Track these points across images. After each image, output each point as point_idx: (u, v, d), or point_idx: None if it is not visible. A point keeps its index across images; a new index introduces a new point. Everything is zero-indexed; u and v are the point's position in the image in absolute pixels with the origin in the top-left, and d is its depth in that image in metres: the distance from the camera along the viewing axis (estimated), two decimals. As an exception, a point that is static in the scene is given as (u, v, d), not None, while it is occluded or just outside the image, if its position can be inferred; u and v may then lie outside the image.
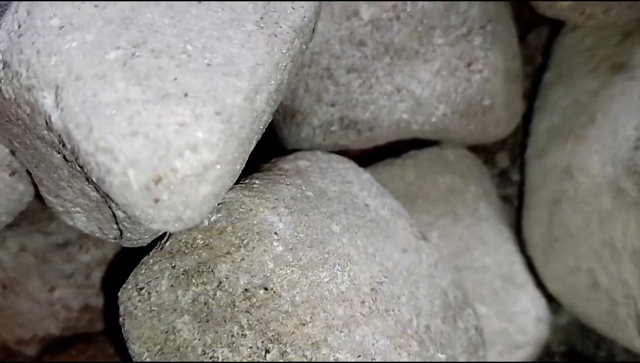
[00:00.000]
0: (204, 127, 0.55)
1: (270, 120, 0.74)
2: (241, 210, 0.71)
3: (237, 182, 0.77)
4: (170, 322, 0.66)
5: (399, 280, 0.79)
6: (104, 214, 0.72)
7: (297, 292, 0.67)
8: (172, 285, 0.66)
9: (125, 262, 0.94)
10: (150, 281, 0.67)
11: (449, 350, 0.80)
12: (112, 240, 0.77)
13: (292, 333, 0.64)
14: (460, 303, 0.88)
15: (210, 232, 0.69)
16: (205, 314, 0.66)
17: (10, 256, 0.93)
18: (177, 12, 0.61)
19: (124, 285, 0.68)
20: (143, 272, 0.68)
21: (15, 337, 0.93)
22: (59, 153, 0.62)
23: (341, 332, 0.66)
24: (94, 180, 0.56)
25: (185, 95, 0.56)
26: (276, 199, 0.74)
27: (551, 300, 1.04)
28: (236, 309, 0.65)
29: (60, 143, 0.58)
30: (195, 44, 0.59)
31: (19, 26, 0.58)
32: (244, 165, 0.67)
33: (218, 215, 0.71)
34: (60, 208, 0.75)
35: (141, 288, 0.67)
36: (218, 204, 0.72)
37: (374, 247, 0.79)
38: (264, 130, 0.72)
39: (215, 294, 0.66)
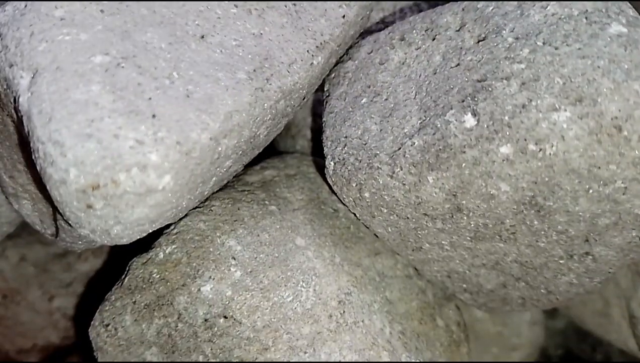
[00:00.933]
0: (160, 151, 0.55)
1: (239, 170, 0.71)
2: (197, 238, 0.69)
3: (194, 206, 0.74)
4: (140, 354, 0.66)
5: (370, 287, 0.76)
6: (47, 208, 0.71)
7: (259, 317, 0.66)
8: (136, 320, 0.67)
9: (123, 271, 0.96)
10: (114, 317, 0.66)
11: (427, 352, 0.79)
12: (49, 237, 0.76)
13: (255, 359, 0.64)
14: (440, 300, 0.86)
15: (165, 265, 0.68)
16: (170, 345, 0.66)
17: (10, 266, 0.93)
18: (177, 40, 0.61)
19: (92, 322, 0.69)
20: (107, 308, 0.68)
21: (16, 347, 0.94)
22: (21, 135, 0.62)
23: (305, 352, 0.65)
24: (38, 168, 0.56)
25: (154, 116, 0.55)
26: (235, 221, 0.71)
27: None
28: (199, 339, 0.65)
29: (21, 124, 0.57)
30: (182, 74, 0.59)
31: (25, 6, 0.59)
32: (192, 205, 0.64)
33: (173, 247, 0.69)
34: (11, 190, 0.75)
35: (107, 325, 0.67)
36: (173, 233, 0.70)
37: (342, 255, 0.77)
38: (229, 177, 0.69)
39: (177, 326, 0.66)
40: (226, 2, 0.65)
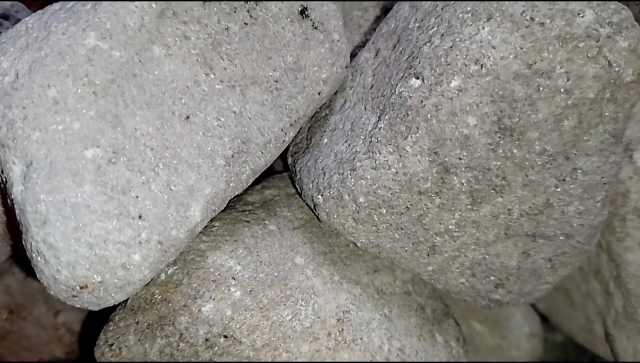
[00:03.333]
0: (143, 252, 0.59)
1: None
2: (197, 259, 0.68)
3: None
4: (145, 374, 0.61)
5: (369, 305, 0.74)
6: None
7: (258, 336, 0.65)
8: (139, 340, 0.65)
9: None
10: (118, 337, 0.66)
11: (426, 368, 0.79)
12: None
13: (255, 378, 0.59)
14: (439, 316, 0.84)
15: (167, 286, 0.66)
16: (173, 364, 0.61)
17: (17, 282, 0.93)
18: (164, 123, 0.61)
19: (97, 342, 0.67)
20: (111, 328, 0.67)
21: (21, 361, 0.92)
22: (4, 199, 0.63)
23: (304, 370, 0.61)
24: (28, 256, 0.58)
25: (140, 217, 0.58)
26: (235, 241, 0.71)
27: (546, 319, 1.03)
28: (200, 359, 0.64)
29: (12, 206, 0.58)
30: (167, 163, 0.60)
31: (17, 77, 0.56)
32: None
33: (174, 268, 0.67)
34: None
35: (112, 344, 0.66)
36: None
37: (340, 273, 0.76)
38: None
39: (179, 346, 0.64)
40: (212, 76, 0.65)
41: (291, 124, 0.70)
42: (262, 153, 0.67)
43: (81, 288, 0.57)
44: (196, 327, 0.65)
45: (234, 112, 0.65)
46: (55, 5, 0.61)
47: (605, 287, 0.86)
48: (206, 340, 0.65)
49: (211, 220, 0.75)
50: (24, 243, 0.57)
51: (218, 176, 0.63)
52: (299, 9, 0.70)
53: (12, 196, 0.57)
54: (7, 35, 0.59)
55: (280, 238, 0.74)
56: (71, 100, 0.56)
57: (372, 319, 0.74)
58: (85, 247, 0.56)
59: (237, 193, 0.67)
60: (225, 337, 0.65)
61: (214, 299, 0.66)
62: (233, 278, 0.68)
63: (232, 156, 0.64)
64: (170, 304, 0.66)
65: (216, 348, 0.65)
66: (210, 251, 0.70)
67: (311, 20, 0.71)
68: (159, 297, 0.66)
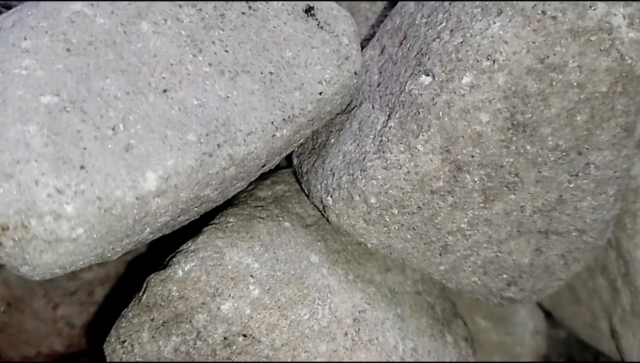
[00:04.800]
0: (77, 203, 0.48)
1: (196, 217, 0.63)
2: (215, 255, 0.62)
3: (211, 221, 0.68)
4: (156, 371, 0.57)
5: (382, 304, 0.68)
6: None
7: (277, 335, 0.60)
8: (153, 337, 0.59)
9: (127, 279, 0.88)
10: (131, 334, 0.60)
11: (437, 367, 0.70)
12: None
13: (274, 378, 0.56)
14: (448, 316, 0.77)
15: (185, 283, 0.61)
16: (188, 363, 0.57)
17: (15, 275, 0.85)
18: (136, 90, 0.53)
19: (107, 338, 0.61)
20: (124, 325, 0.61)
21: (20, 354, 0.85)
22: None
23: (323, 370, 0.57)
24: None
25: (82, 167, 0.49)
26: (251, 238, 0.65)
27: (550, 315, 0.97)
28: (217, 357, 0.58)
29: None
30: (128, 126, 0.52)
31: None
32: (116, 254, 0.57)
33: (192, 264, 0.62)
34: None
35: (124, 341, 0.60)
36: (191, 251, 0.63)
37: (355, 272, 0.69)
38: (180, 225, 0.62)
39: (196, 344, 0.58)
40: (200, 59, 0.57)
41: (284, 119, 0.61)
42: (245, 141, 0.58)
43: (2, 229, 0.48)
44: (215, 325, 0.59)
45: (219, 96, 0.57)
46: None
47: (613, 284, 0.80)
48: (224, 338, 0.59)
49: (225, 216, 0.68)
50: None
51: (186, 150, 0.54)
52: (304, 8, 0.64)
53: None
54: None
55: (295, 236, 0.68)
56: (42, 51, 0.51)
57: (386, 319, 0.68)
58: (14, 184, 0.47)
59: (212, 182, 0.57)
60: (245, 335, 0.59)
61: (233, 297, 0.60)
62: (251, 276, 0.61)
63: (207, 134, 0.55)
64: (188, 301, 0.60)
65: (234, 347, 0.59)
66: (227, 248, 0.64)
67: (317, 19, 0.64)
68: (176, 294, 0.60)
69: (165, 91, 0.54)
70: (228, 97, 0.57)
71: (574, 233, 0.63)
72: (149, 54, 0.55)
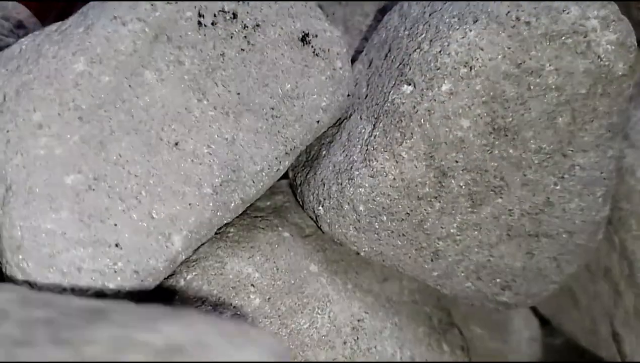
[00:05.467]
0: (118, 281, 0.50)
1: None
2: (216, 265, 0.61)
3: None
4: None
5: (380, 313, 0.66)
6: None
7: None
8: None
9: None
10: None
11: (434, 376, 0.66)
12: None
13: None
14: (444, 325, 0.74)
15: (187, 292, 0.59)
16: (190, 373, 0.56)
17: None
18: (151, 149, 0.52)
19: None
20: None
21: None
22: None
23: (322, 379, 0.57)
24: (5, 278, 0.51)
25: (117, 245, 0.50)
26: (251, 248, 0.63)
27: (545, 323, 0.92)
28: None
29: None
30: (151, 191, 0.51)
31: (4, 100, 0.49)
32: None
33: (193, 274, 0.61)
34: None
35: None
36: (192, 260, 0.62)
37: (353, 282, 0.67)
38: None
39: None
40: (205, 103, 0.55)
41: (286, 153, 0.60)
42: (254, 182, 0.58)
43: None
44: None
45: (226, 139, 0.56)
46: (52, 27, 0.54)
47: (615, 287, 0.75)
48: None
49: (226, 226, 0.67)
50: (2, 266, 0.51)
51: (204, 205, 0.54)
52: (300, 35, 0.61)
53: None
54: (2, 56, 0.53)
55: (294, 246, 0.66)
56: (55, 124, 0.49)
57: (384, 328, 0.65)
58: (59, 275, 0.48)
59: (225, 222, 0.58)
60: None
61: (234, 307, 0.58)
62: (252, 285, 0.59)
63: (221, 184, 0.55)
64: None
65: None
66: (228, 257, 0.62)
67: (312, 47, 0.61)
68: (179, 303, 0.59)
69: (176, 144, 0.53)
70: (234, 139, 0.56)
71: (564, 235, 0.61)
72: (156, 106, 0.52)
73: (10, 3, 0.80)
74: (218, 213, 0.55)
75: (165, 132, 0.53)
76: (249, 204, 0.60)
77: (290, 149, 0.60)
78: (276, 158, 0.59)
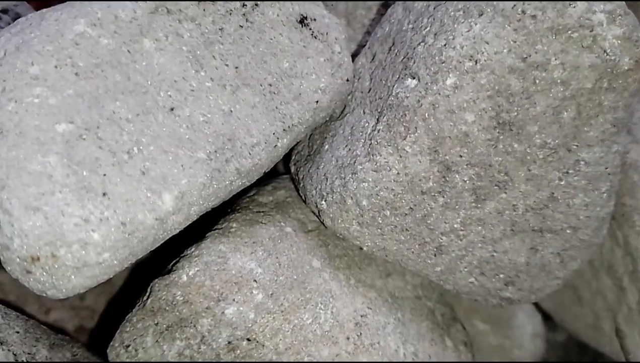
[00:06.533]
0: (102, 230, 0.48)
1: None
2: (219, 260, 0.60)
3: (213, 226, 0.66)
4: (160, 375, 0.56)
5: (384, 309, 0.65)
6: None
7: (280, 339, 0.56)
8: (157, 341, 0.56)
9: (129, 284, 0.85)
10: (135, 338, 0.57)
11: (437, 371, 0.64)
12: None
13: (278, 382, 0.54)
14: (448, 321, 0.72)
15: (189, 287, 0.58)
16: (192, 367, 0.56)
17: (9, 279, 0.80)
18: (145, 111, 0.52)
19: (111, 343, 0.59)
20: (128, 329, 0.58)
21: None
22: None
23: (326, 374, 0.56)
24: None
25: (104, 194, 0.48)
26: (254, 243, 0.62)
27: (548, 318, 0.91)
28: (221, 361, 0.55)
29: None
30: (143, 149, 0.51)
31: (4, 55, 0.49)
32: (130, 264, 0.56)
33: (196, 269, 0.59)
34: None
35: (128, 346, 0.57)
36: (195, 255, 0.61)
37: (356, 277, 0.66)
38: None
39: (200, 348, 0.55)
40: (202, 74, 0.55)
41: (284, 130, 0.59)
42: (250, 153, 0.56)
43: (33, 260, 0.46)
44: (219, 330, 0.55)
45: (222, 110, 0.56)
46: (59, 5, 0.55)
47: (618, 283, 0.74)
48: (229, 342, 0.55)
49: (228, 221, 0.66)
50: None
51: (197, 168, 0.53)
52: (298, 18, 0.61)
53: None
54: (8, 26, 0.53)
55: (297, 241, 0.65)
56: (51, 77, 0.49)
57: (387, 323, 0.64)
58: (41, 217, 0.46)
59: (222, 195, 0.56)
60: (249, 340, 0.55)
61: (237, 302, 0.56)
62: (255, 280, 0.58)
63: (215, 151, 0.54)
64: (192, 306, 0.57)
65: (238, 351, 0.55)
66: (231, 253, 0.61)
67: (310, 29, 0.62)
68: (181, 298, 0.58)
69: (172, 109, 0.53)
70: (231, 111, 0.56)
71: (568, 231, 0.59)
72: (153, 72, 0.53)
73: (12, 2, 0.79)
74: (212, 181, 0.53)
75: (161, 97, 0.52)
76: (246, 180, 0.58)
77: (289, 127, 0.59)
78: (273, 133, 0.58)
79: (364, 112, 0.62)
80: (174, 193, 0.51)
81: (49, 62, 0.49)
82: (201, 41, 0.56)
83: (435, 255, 0.61)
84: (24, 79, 0.48)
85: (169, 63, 0.54)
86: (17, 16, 0.78)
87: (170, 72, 0.54)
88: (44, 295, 0.51)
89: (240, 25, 0.58)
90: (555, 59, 0.50)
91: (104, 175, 0.48)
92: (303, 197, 0.69)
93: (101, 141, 0.49)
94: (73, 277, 0.48)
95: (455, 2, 0.54)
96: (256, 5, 0.59)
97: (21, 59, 0.49)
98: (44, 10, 0.55)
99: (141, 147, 0.50)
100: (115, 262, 0.50)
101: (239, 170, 0.56)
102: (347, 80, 0.63)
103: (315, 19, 0.62)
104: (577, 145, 0.54)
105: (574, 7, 0.48)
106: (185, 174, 0.51)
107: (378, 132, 0.57)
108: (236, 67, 0.58)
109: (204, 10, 0.56)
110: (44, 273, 0.48)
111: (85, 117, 0.49)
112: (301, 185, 0.69)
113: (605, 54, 0.49)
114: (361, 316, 0.61)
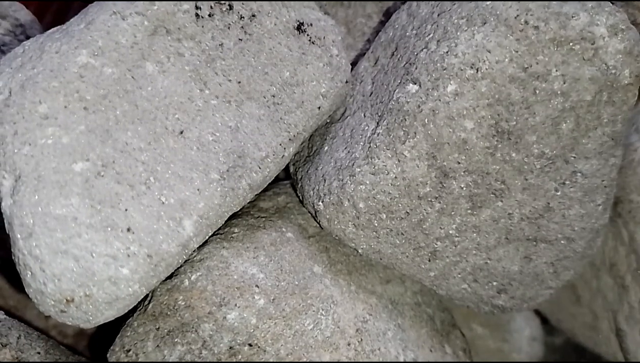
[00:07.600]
0: (131, 265, 0.48)
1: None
2: (221, 265, 0.60)
3: (216, 232, 0.65)
4: (160, 379, 0.56)
5: (384, 315, 0.64)
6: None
7: (282, 345, 0.55)
8: (158, 346, 0.55)
9: None
10: (136, 343, 0.56)
11: (438, 380, 0.63)
12: None
13: (279, 388, 0.54)
14: (447, 327, 0.71)
15: (191, 292, 0.58)
16: (193, 372, 0.56)
17: (9, 283, 0.81)
18: (156, 138, 0.52)
19: (111, 347, 0.58)
20: (129, 334, 0.57)
21: None
22: None
23: (326, 380, 0.55)
24: (18, 270, 0.49)
25: (128, 229, 0.48)
26: (255, 248, 0.61)
27: (546, 321, 0.90)
28: None
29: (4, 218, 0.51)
30: (159, 177, 0.51)
31: (9, 95, 0.48)
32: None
33: (198, 274, 0.59)
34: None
35: (128, 350, 0.56)
36: (197, 260, 0.60)
37: (357, 283, 0.66)
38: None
39: (201, 353, 0.54)
40: (207, 92, 0.54)
41: (290, 139, 0.59)
42: (260, 168, 0.56)
43: (67, 302, 0.47)
44: (221, 335, 0.54)
45: (230, 127, 0.55)
46: (54, 29, 0.54)
47: (620, 281, 0.72)
48: (230, 348, 0.54)
49: (230, 226, 0.66)
50: (13, 258, 0.49)
51: (212, 190, 0.53)
52: (295, 25, 0.61)
53: (2, 210, 0.50)
54: (5, 58, 0.52)
55: (298, 247, 0.64)
56: (61, 115, 0.48)
57: (388, 329, 0.63)
58: (71, 260, 0.46)
59: (235, 209, 0.57)
60: (250, 345, 0.54)
61: (239, 307, 0.55)
62: (257, 286, 0.57)
63: (227, 171, 0.54)
64: (194, 311, 0.55)
65: (240, 356, 0.54)
66: (233, 258, 0.60)
67: (308, 35, 0.61)
68: (183, 303, 0.56)
69: (182, 132, 0.53)
70: (238, 126, 0.56)
71: (562, 242, 0.59)
72: (159, 96, 0.53)
73: (8, 2, 0.77)
74: (227, 199, 0.54)
75: (170, 121, 0.52)
76: (256, 191, 0.58)
77: (294, 135, 0.59)
78: (280, 144, 0.57)
79: (365, 115, 0.62)
80: (193, 219, 0.51)
81: (57, 99, 0.48)
82: (202, 59, 0.55)
83: (429, 260, 0.60)
84: (34, 120, 0.47)
85: (173, 85, 0.53)
86: (17, 22, 0.77)
87: (176, 93, 0.53)
88: (78, 326, 0.51)
89: (239, 39, 0.58)
90: (556, 70, 0.49)
91: (126, 210, 0.48)
92: (300, 198, 0.68)
93: (119, 175, 0.49)
94: (105, 310, 0.50)
95: (459, 10, 0.54)
96: (253, 16, 0.58)
97: (28, 98, 0.48)
98: (41, 38, 0.53)
99: (158, 176, 0.50)
100: (144, 290, 0.51)
101: (251, 186, 0.56)
102: (346, 81, 0.63)
103: (311, 24, 0.62)
104: (574, 157, 0.53)
105: (577, 19, 0.48)
106: (202, 197, 0.52)
107: (377, 135, 0.57)
108: (239, 82, 0.57)
109: (203, 26, 0.55)
110: (78, 311, 0.49)
111: (99, 152, 0.49)
112: (299, 185, 0.68)
113: (606, 67, 0.49)
114: (362, 322, 0.61)
